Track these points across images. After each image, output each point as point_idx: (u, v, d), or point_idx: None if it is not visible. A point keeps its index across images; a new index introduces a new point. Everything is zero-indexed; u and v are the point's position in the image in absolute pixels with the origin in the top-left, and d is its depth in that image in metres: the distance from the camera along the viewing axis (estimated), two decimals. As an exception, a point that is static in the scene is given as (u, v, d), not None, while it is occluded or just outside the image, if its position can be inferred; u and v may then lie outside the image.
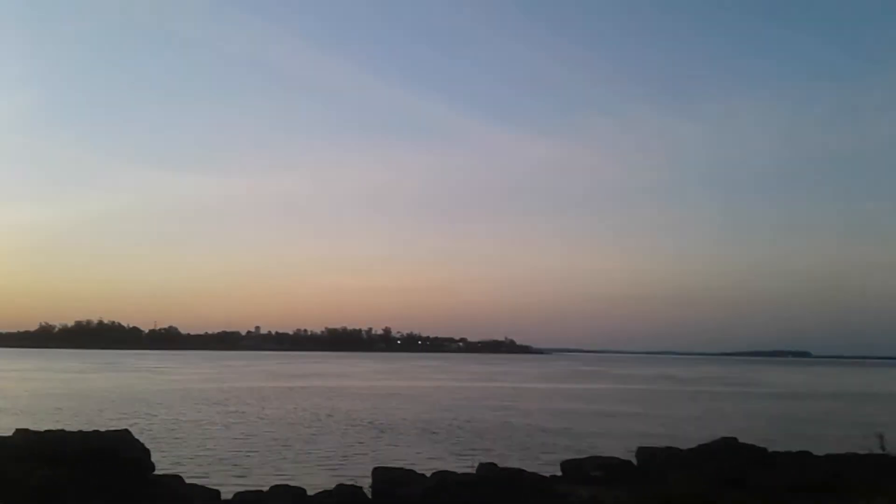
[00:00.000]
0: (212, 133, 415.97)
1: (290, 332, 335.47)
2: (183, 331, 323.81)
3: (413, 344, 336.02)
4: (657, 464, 19.89)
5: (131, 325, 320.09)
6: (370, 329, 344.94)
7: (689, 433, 36.76)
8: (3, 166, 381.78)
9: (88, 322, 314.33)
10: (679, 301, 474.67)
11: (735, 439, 21.48)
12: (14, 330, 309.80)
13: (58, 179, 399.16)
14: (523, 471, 18.46)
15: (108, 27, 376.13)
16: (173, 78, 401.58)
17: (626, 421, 47.43)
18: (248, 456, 29.41)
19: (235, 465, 27.15)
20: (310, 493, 15.34)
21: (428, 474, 17.60)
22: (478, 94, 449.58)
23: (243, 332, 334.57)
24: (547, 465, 24.22)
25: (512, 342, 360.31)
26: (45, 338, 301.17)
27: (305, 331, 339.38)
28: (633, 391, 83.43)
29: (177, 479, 13.54)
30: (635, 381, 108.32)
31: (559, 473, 20.33)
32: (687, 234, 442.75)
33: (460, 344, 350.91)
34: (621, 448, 26.62)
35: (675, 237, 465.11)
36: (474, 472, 17.98)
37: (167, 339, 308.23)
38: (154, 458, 14.71)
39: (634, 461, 20.90)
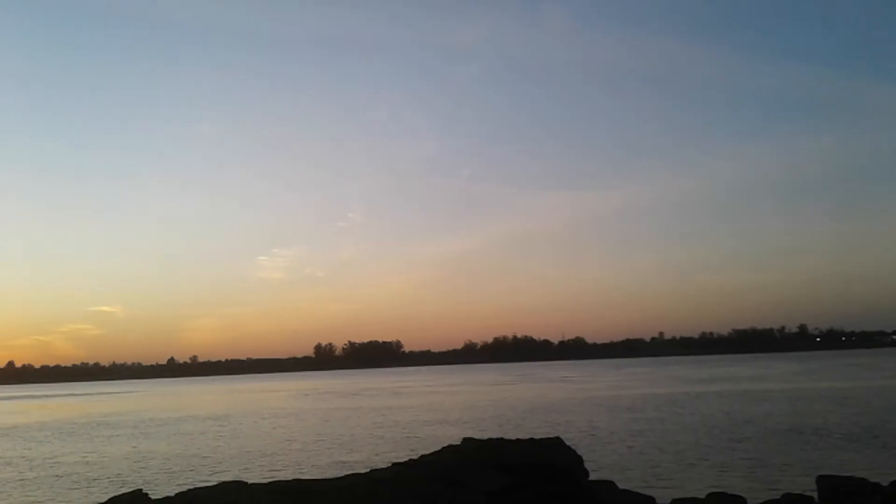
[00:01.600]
0: (597, 147, 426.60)
1: (696, 336, 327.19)
2: (589, 340, 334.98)
3: (835, 340, 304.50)
4: None
5: (542, 338, 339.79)
6: (783, 327, 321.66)
7: None
8: (415, 206, 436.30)
9: (504, 337, 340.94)
10: None
11: None
12: (443, 349, 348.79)
13: (463, 211, 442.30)
14: None
15: (490, 68, 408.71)
16: (549, 103, 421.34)
17: None
18: (672, 462, 29.08)
19: (660, 471, 27.03)
20: (751, 503, 14.48)
21: (883, 482, 15.56)
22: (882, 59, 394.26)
23: (647, 339, 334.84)
24: None
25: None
26: (470, 354, 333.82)
27: (711, 333, 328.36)
28: None
29: (610, 485, 13.85)
30: None
31: None
32: None
33: (895, 337, 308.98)
34: None
35: None
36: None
37: (575, 349, 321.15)
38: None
39: None
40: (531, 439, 14.65)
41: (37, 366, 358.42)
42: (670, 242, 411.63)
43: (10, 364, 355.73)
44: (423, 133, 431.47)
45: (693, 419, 46.54)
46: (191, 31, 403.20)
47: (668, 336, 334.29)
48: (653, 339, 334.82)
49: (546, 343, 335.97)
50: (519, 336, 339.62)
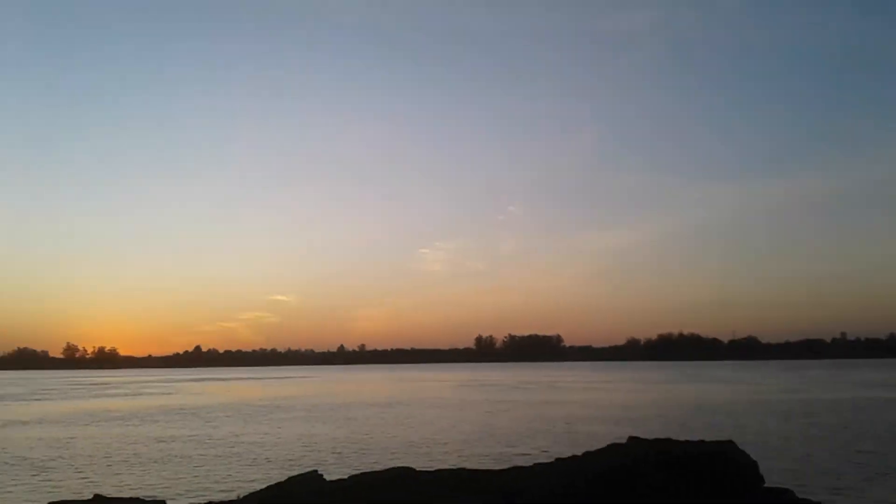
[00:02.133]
0: (767, 136, 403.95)
1: (883, 337, 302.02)
2: (763, 340, 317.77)
3: None
4: None
5: (710, 336, 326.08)
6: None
7: None
8: (576, 199, 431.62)
9: (669, 335, 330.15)
10: None
11: None
12: (605, 345, 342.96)
13: (625, 204, 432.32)
14: None
15: (655, 56, 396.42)
16: (715, 91, 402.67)
17: None
18: (857, 473, 27.06)
19: (843, 482, 25.19)
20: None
21: None
22: None
23: (828, 339, 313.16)
24: None
25: None
26: (632, 350, 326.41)
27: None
28: None
29: (788, 493, 13.02)
30: None
31: None
32: None
33: None
34: None
35: None
36: None
37: (746, 349, 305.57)
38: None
39: None
40: (701, 441, 14.03)
41: (221, 350, 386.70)
42: (851, 237, 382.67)
43: (198, 349, 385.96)
44: (584, 124, 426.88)
45: (881, 427, 43.05)
46: (357, 34, 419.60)
47: (851, 337, 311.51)
48: (834, 339, 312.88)
49: (715, 342, 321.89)
50: (685, 333, 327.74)
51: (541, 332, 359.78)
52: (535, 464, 14.87)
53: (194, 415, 61.11)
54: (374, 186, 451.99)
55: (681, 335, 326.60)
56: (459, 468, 15.83)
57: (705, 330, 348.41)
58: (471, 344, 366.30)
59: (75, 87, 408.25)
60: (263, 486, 14.79)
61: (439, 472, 14.36)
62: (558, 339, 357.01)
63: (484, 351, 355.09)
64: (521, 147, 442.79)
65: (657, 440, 13.92)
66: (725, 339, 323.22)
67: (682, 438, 14.55)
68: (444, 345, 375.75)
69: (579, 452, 14.81)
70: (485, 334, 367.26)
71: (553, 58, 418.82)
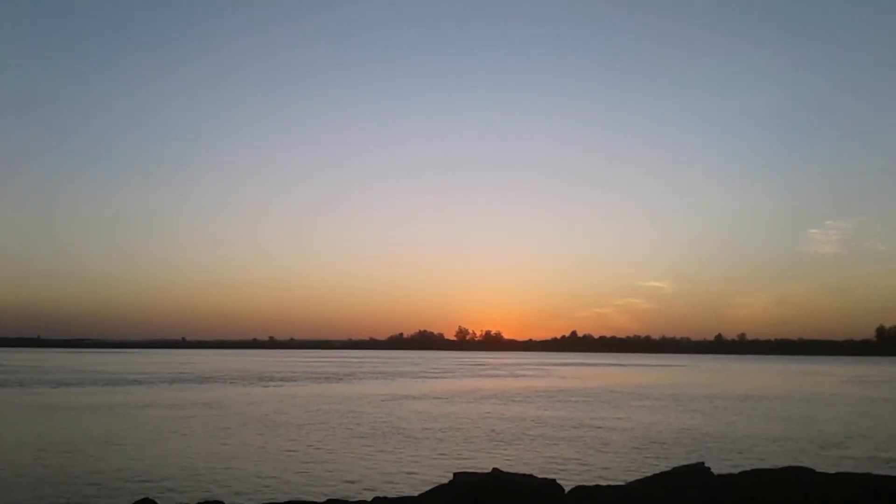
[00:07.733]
0: None
1: None
2: None
3: None
4: None
5: None
6: None
7: None
8: None
9: None
10: None
11: None
12: None
13: None
14: None
15: None
16: None
17: None
18: None
19: None
20: None
21: None
22: None
23: None
24: None
25: None
26: None
27: None
28: None
29: None
30: None
31: None
32: None
33: None
34: None
35: None
36: None
37: None
38: None
39: None
40: None
41: (595, 336, 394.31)
42: None
43: (574, 333, 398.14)
44: None
45: None
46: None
47: None
48: None
49: None
50: None
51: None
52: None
53: (552, 398, 62.36)
54: (756, 163, 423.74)
55: None
56: (865, 473, 13.83)
57: None
58: (871, 335, 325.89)
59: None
60: (645, 475, 14.41)
61: (839, 476, 12.87)
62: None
63: (888, 343, 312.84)
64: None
65: None
66: None
67: None
68: (838, 336, 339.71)
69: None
70: (888, 325, 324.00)
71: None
